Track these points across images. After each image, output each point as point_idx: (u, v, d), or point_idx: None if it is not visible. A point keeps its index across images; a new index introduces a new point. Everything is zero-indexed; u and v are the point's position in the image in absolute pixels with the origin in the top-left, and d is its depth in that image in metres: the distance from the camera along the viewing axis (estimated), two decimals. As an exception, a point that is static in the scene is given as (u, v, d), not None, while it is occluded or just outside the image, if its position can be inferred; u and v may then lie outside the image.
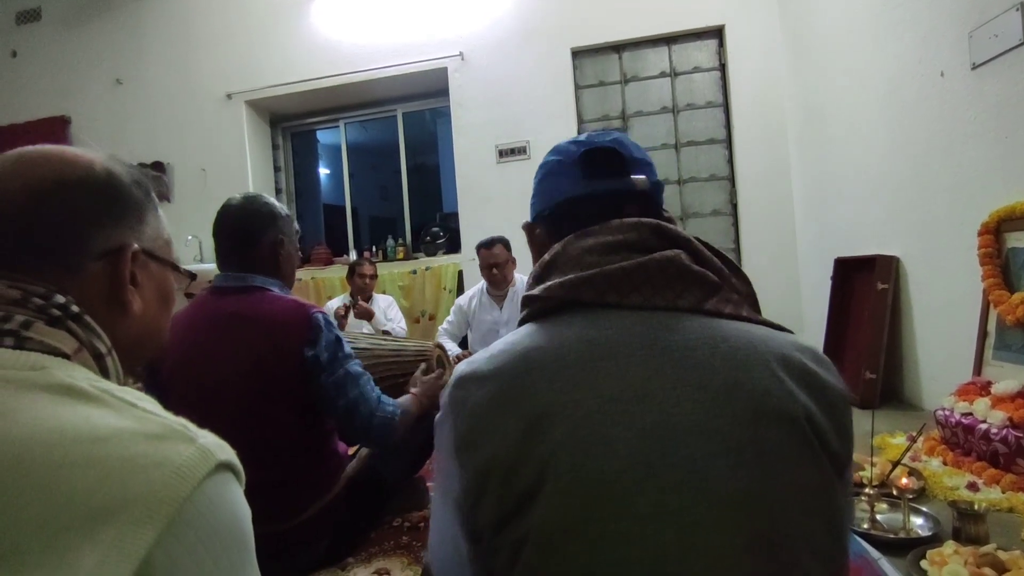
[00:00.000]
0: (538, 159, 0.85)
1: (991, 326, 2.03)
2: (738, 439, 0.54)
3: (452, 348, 3.25)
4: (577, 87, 4.22)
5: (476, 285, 3.44)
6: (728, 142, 4.05)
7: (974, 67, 2.02)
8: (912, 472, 1.69)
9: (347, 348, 1.46)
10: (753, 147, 3.95)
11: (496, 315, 3.30)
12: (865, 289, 2.81)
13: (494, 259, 3.16)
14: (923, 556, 1.26)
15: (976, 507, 1.37)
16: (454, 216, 4.56)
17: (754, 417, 0.55)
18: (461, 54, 4.32)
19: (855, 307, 2.99)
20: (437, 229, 4.81)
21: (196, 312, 1.44)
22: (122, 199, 0.57)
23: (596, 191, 0.71)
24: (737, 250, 4.03)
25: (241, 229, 1.46)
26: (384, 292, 4.29)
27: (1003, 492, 1.58)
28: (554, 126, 4.08)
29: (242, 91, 4.69)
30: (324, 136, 6.23)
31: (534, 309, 0.67)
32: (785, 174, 3.89)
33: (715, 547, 0.51)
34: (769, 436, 0.54)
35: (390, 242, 4.89)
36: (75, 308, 0.51)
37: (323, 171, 7.03)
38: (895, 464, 1.61)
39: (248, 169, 4.74)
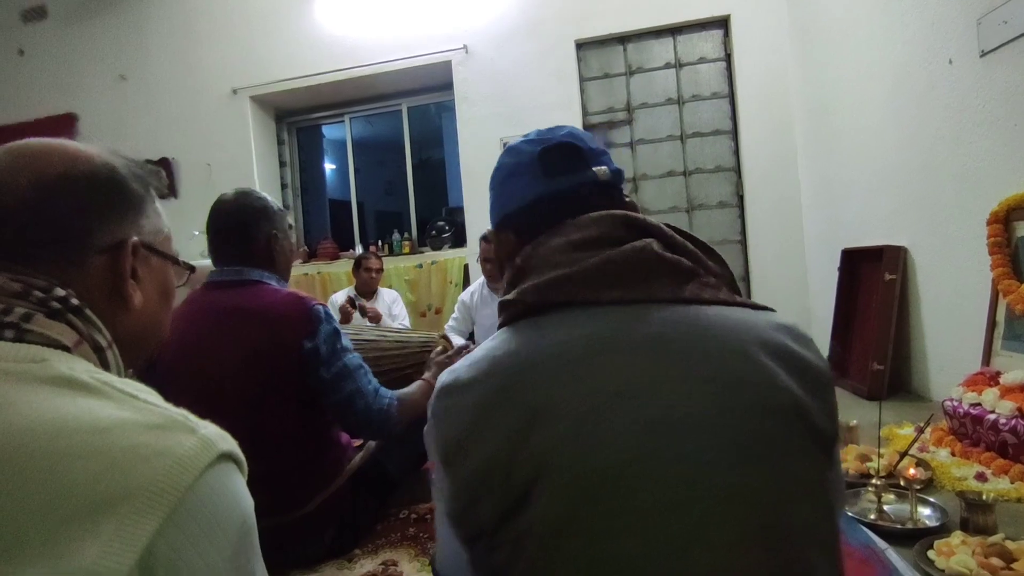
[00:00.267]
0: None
1: (1000, 316, 2.01)
2: (732, 431, 0.54)
3: (458, 341, 3.24)
4: (582, 79, 4.20)
5: (478, 280, 3.44)
6: (734, 133, 4.03)
7: (983, 54, 2.00)
8: (920, 462, 1.68)
9: (345, 341, 1.46)
10: (759, 138, 3.92)
11: (496, 309, 3.28)
12: (873, 280, 2.79)
13: (491, 252, 3.16)
14: (931, 546, 1.25)
15: (984, 497, 1.36)
16: (460, 210, 4.56)
17: (748, 408, 0.55)
18: (465, 47, 4.31)
19: (863, 298, 2.97)
20: (443, 223, 4.80)
21: (194, 306, 1.45)
22: (123, 193, 0.58)
23: (560, 188, 0.71)
24: (743, 242, 4.01)
25: (236, 224, 1.47)
26: (390, 286, 4.30)
27: (1011, 482, 1.57)
28: (559, 119, 3.93)
29: (247, 86, 4.71)
30: (329, 131, 6.22)
31: (510, 314, 0.67)
32: (792, 164, 3.87)
33: (721, 541, 0.51)
34: (765, 428, 0.54)
35: (396, 236, 4.90)
36: (75, 301, 0.51)
37: (329, 166, 7.02)
38: (903, 454, 1.60)
39: (253, 164, 4.75)
